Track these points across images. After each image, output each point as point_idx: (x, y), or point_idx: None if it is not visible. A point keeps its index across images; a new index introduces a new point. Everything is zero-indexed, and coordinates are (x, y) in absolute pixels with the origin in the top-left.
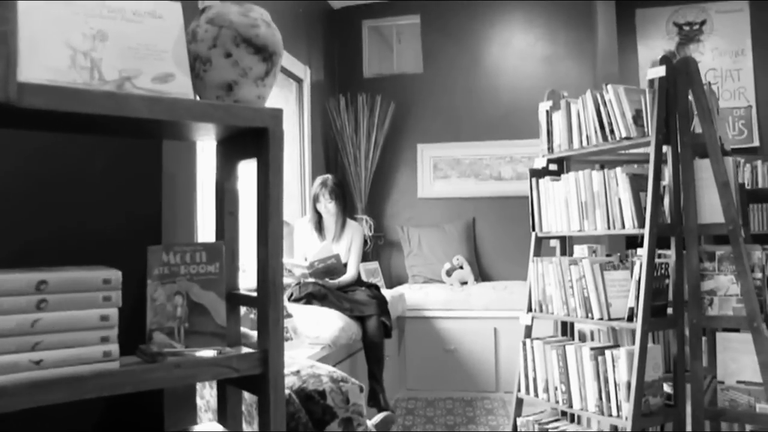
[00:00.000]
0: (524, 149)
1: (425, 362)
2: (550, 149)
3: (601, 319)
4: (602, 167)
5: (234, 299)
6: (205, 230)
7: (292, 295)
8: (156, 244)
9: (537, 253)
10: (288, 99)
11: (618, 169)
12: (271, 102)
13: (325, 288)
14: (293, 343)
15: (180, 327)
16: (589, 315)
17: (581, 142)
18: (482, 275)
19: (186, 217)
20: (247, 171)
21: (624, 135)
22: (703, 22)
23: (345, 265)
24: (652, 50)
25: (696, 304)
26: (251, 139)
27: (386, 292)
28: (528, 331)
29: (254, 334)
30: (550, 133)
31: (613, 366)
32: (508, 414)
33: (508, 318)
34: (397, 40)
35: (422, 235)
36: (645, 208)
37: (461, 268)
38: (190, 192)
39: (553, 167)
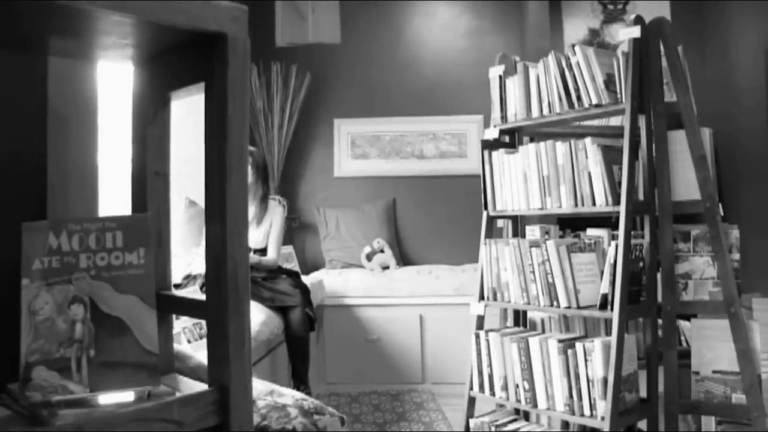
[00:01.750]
0: (448, 126)
1: (346, 354)
2: (504, 119)
3: (569, 307)
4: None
5: (165, 304)
6: (116, 199)
7: (204, 285)
8: (37, 219)
9: (489, 235)
10: None
11: (587, 140)
12: None
13: None
14: (205, 342)
15: (81, 356)
16: (554, 303)
17: (541, 110)
18: (404, 259)
19: (85, 178)
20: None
21: (594, 102)
22: (626, 2)
23: (264, 250)
24: (577, 28)
25: (670, 288)
26: (196, 54)
27: (304, 279)
28: (480, 322)
29: (193, 354)
30: (503, 101)
31: (585, 360)
32: (440, 408)
33: (434, 305)
34: (311, 9)
35: (340, 216)
36: (619, 183)
37: (382, 251)
38: (90, 139)
39: (505, 139)
